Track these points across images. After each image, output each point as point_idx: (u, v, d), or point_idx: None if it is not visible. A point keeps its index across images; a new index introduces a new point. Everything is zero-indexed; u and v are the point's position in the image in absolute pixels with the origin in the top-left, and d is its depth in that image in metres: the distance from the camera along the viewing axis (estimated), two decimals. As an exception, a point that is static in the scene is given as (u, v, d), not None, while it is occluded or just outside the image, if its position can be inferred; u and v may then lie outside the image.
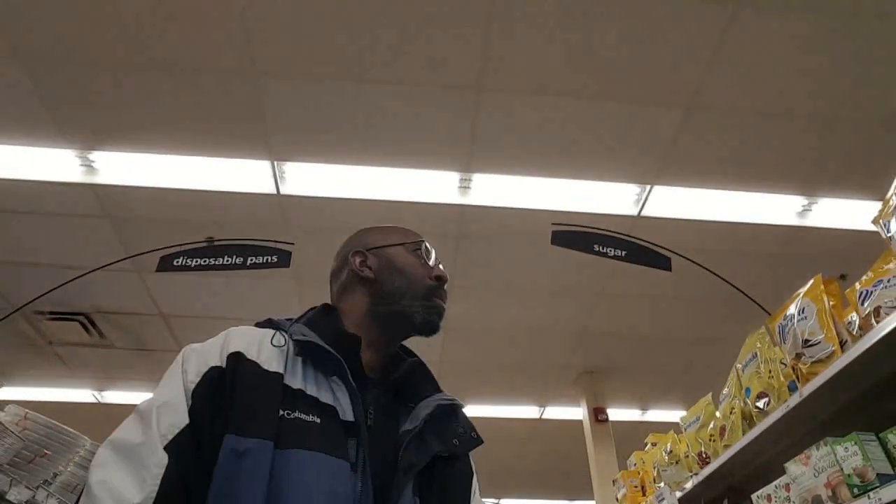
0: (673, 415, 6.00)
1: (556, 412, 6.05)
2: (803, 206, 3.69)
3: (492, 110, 3.07)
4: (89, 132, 3.16)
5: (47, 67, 2.84)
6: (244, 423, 0.80)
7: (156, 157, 3.29)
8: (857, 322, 1.37)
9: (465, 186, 3.47)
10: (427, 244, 1.08)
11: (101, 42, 2.73)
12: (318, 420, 0.84)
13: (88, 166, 3.34)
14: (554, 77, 2.92)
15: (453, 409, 0.98)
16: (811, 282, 1.51)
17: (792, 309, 1.50)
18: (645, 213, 3.64)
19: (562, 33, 2.73)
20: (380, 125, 3.13)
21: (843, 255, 3.74)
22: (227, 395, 0.83)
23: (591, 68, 2.88)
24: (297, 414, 0.83)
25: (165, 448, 0.79)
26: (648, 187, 3.51)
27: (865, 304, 1.36)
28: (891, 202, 1.25)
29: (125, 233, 3.78)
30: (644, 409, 6.16)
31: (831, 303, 1.45)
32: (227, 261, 2.69)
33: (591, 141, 3.24)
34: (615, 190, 3.53)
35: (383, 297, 1.01)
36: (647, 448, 2.64)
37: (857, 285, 1.43)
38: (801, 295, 1.50)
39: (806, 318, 1.43)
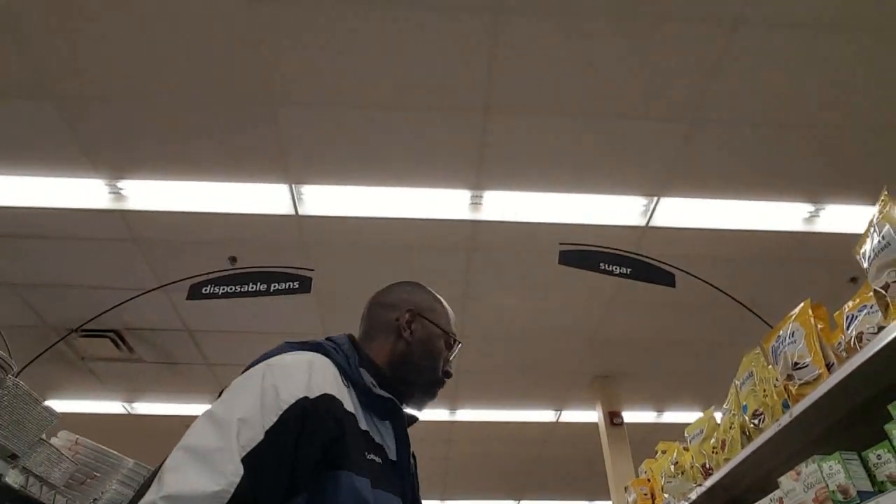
0: (689, 416, 6.06)
1: (572, 416, 6.14)
2: (810, 212, 3.74)
3: (499, 130, 3.18)
4: (117, 162, 3.33)
5: (78, 105, 3.01)
6: (353, 458, 0.87)
7: (179, 183, 3.45)
8: (844, 345, 1.47)
9: (476, 203, 3.58)
10: (456, 344, 1.18)
11: (126, 80, 2.89)
12: (380, 461, 0.92)
13: (117, 193, 3.52)
14: (559, 97, 3.02)
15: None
16: (801, 306, 1.60)
17: (783, 332, 1.59)
18: (653, 223, 3.73)
19: (565, 54, 2.83)
20: (392, 148, 3.26)
21: (852, 259, 3.79)
22: (320, 430, 0.85)
23: (594, 87, 2.98)
24: (371, 455, 0.91)
25: (242, 460, 0.79)
26: (655, 199, 3.59)
27: (851, 329, 1.45)
28: (868, 235, 1.34)
29: (152, 254, 3.95)
30: (660, 411, 6.22)
31: (820, 326, 1.54)
32: (252, 288, 2.84)
33: (598, 156, 3.34)
34: (623, 202, 3.62)
35: (405, 362, 1.10)
36: (657, 456, 2.73)
37: (846, 308, 1.52)
38: (792, 319, 1.59)
39: (795, 341, 1.52)
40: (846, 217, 3.75)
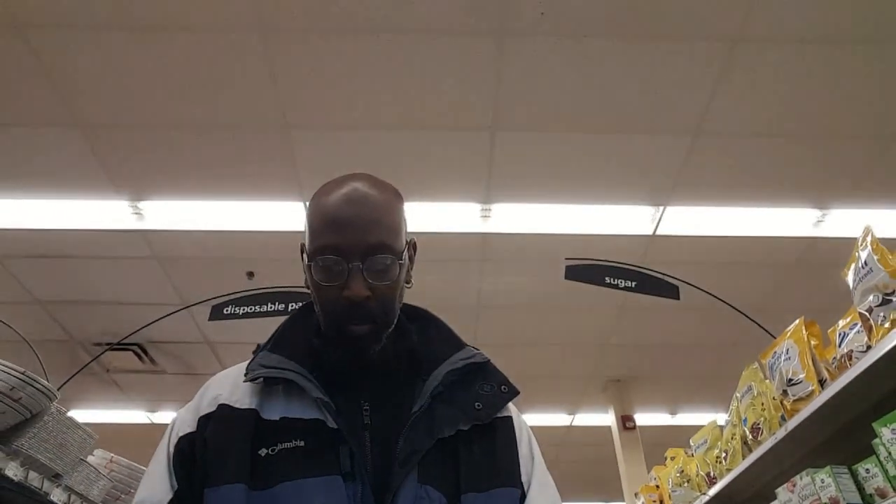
0: (703, 417, 6.10)
1: (586, 419, 6.20)
2: (817, 217, 3.78)
3: (507, 146, 3.26)
4: (138, 185, 3.47)
5: (103, 133, 3.14)
6: (215, 472, 0.79)
7: (198, 203, 3.58)
8: (836, 362, 1.54)
9: (485, 215, 3.67)
10: (329, 255, 0.82)
11: (149, 109, 3.01)
12: (303, 442, 0.79)
13: (139, 214, 3.65)
14: (564, 113, 3.10)
15: (474, 368, 0.88)
16: (795, 323, 1.67)
17: (779, 349, 1.66)
18: (660, 231, 3.79)
19: (570, 73, 2.91)
20: (403, 165, 3.36)
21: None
22: (202, 454, 0.81)
23: (599, 103, 3.06)
24: (280, 446, 0.79)
25: None
26: (662, 208, 3.65)
27: (843, 345, 1.52)
28: (854, 260, 1.41)
29: (173, 270, 4.09)
30: (673, 412, 6.26)
31: (814, 343, 1.61)
32: (271, 307, 2.95)
33: (604, 169, 3.41)
34: (630, 212, 3.68)
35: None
36: (666, 462, 2.80)
37: (838, 325, 1.59)
38: (787, 336, 1.66)
39: (790, 358, 1.59)
40: (853, 221, 3.78)
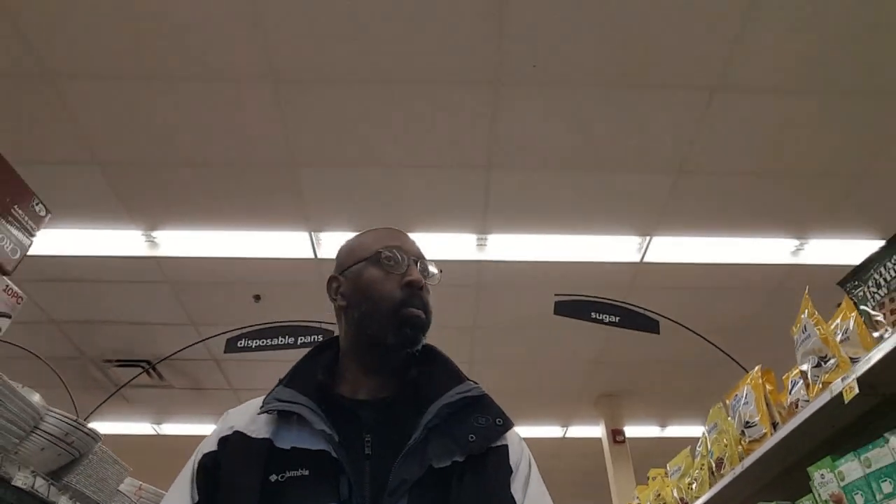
0: (692, 430, 6.30)
1: (578, 431, 6.40)
2: (796, 246, 3.99)
3: (502, 182, 3.47)
4: (153, 216, 3.67)
5: (121, 169, 3.34)
6: (229, 495, 0.85)
7: (209, 232, 3.78)
8: (787, 407, 1.75)
9: (481, 244, 3.88)
10: (393, 249, 0.99)
11: (164, 147, 3.22)
12: (308, 471, 0.84)
13: (152, 242, 3.85)
14: (557, 153, 3.31)
15: (470, 402, 0.92)
16: (754, 371, 1.88)
17: (739, 393, 1.87)
18: (647, 259, 4.01)
19: (561, 117, 3.12)
20: (403, 199, 3.56)
21: (837, 288, 4.04)
22: (219, 473, 0.88)
23: (588, 144, 3.26)
24: (288, 473, 0.84)
25: None
26: (648, 238, 3.86)
27: (792, 393, 1.73)
28: (798, 324, 1.62)
29: (183, 294, 4.29)
30: (663, 425, 6.46)
31: (769, 388, 1.82)
32: (281, 341, 3.15)
33: (594, 203, 3.62)
34: (618, 242, 3.89)
35: (358, 325, 0.97)
36: (648, 482, 3.01)
37: (791, 373, 1.80)
38: (747, 382, 1.87)
39: (748, 403, 1.80)
40: (830, 250, 4.00)
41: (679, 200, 3.60)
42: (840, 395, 1.30)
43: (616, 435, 5.35)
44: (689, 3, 2.62)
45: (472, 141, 3.22)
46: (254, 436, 0.89)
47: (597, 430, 6.00)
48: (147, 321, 4.54)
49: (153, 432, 6.36)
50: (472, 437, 0.87)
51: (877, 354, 1.24)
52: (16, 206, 1.49)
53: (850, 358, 1.40)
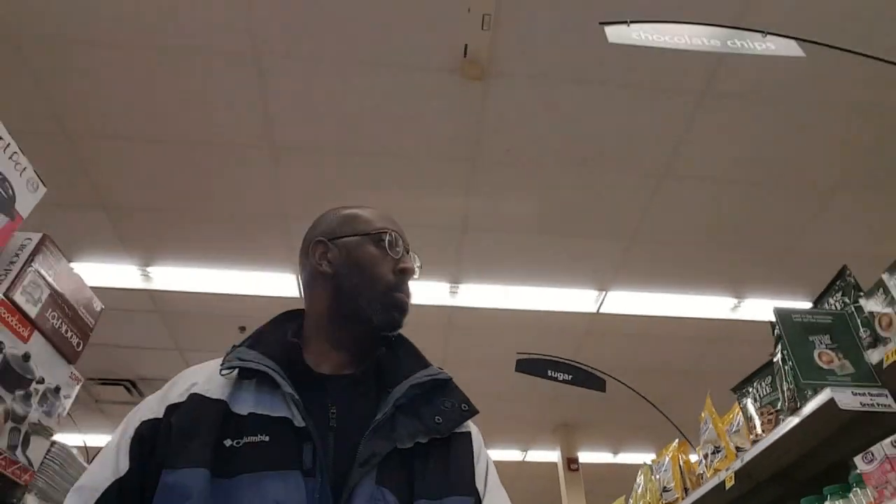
0: (642, 457, 6.77)
1: (537, 455, 6.82)
2: (734, 304, 4.46)
3: (475, 241, 3.85)
4: (149, 253, 3.94)
5: (124, 212, 3.61)
6: (176, 455, 0.80)
7: (201, 269, 4.06)
8: (696, 478, 2.14)
9: (453, 292, 4.24)
10: (394, 233, 1.01)
11: (166, 196, 3.50)
12: (268, 438, 0.82)
13: (146, 276, 4.11)
14: (525, 219, 3.69)
15: (437, 385, 0.94)
16: (674, 443, 2.27)
17: (661, 460, 2.27)
18: (602, 310, 4.43)
19: (529, 192, 3.50)
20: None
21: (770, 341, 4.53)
22: (164, 439, 0.83)
23: (552, 214, 3.66)
24: (245, 439, 0.82)
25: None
26: (604, 292, 4.28)
27: (701, 466, 2.13)
28: (702, 419, 2.02)
29: (172, 323, 4.55)
30: (615, 452, 6.91)
31: (684, 459, 2.22)
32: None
33: (556, 261, 4.02)
34: (578, 294, 4.30)
35: (342, 296, 0.96)
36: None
37: (699, 446, 2.20)
38: (667, 451, 2.26)
39: (666, 470, 2.19)
40: (763, 308, 4.47)
41: (632, 262, 4.03)
42: (724, 481, 1.69)
43: (571, 463, 5.75)
44: (640, 106, 3.02)
45: (450, 207, 3.59)
46: (209, 396, 0.86)
47: (554, 455, 6.41)
48: (134, 345, 4.77)
49: (127, 444, 6.55)
50: (438, 420, 0.88)
51: (749, 454, 1.64)
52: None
53: (737, 447, 1.80)
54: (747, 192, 3.52)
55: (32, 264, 1.55)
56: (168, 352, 4.82)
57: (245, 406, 0.86)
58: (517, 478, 7.22)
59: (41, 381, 1.58)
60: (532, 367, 3.51)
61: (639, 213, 3.65)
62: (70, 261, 3.77)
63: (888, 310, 1.22)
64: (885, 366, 1.19)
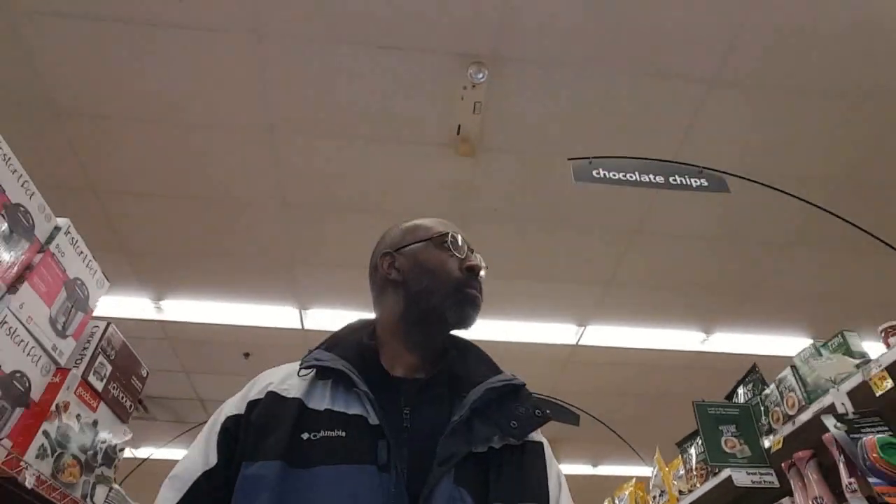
0: (621, 469, 7.16)
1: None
2: (703, 338, 4.85)
3: (464, 282, 4.19)
4: (161, 288, 4.26)
5: (141, 255, 3.93)
6: (254, 449, 0.85)
7: (210, 302, 4.39)
8: (651, 514, 2.51)
9: (444, 325, 4.59)
10: (455, 234, 1.05)
11: (181, 240, 3.83)
12: (344, 433, 0.85)
13: (158, 308, 4.43)
14: (511, 267, 4.04)
15: (511, 390, 0.95)
16: (631, 481, 2.64)
17: (620, 495, 2.63)
18: (581, 343, 4.80)
19: (514, 244, 3.85)
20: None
21: (738, 370, 4.94)
22: (245, 434, 0.88)
23: (536, 261, 4.01)
24: (322, 433, 0.85)
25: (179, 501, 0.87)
26: (584, 327, 4.66)
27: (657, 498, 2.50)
28: (654, 462, 2.39)
29: (181, 350, 4.87)
30: (595, 464, 7.31)
31: (640, 494, 2.59)
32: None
33: (540, 300, 4.38)
34: (559, 328, 4.67)
35: (414, 299, 1.00)
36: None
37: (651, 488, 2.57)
38: (626, 488, 2.63)
39: (625, 504, 2.56)
40: (728, 341, 4.87)
41: (607, 303, 4.40)
42: (666, 526, 2.06)
43: (552, 478, 6.11)
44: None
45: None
46: (286, 395, 0.91)
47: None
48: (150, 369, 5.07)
49: (130, 455, 6.84)
50: (513, 424, 0.90)
51: (687, 500, 2.00)
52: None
53: (679, 491, 2.16)
54: (715, 247, 3.90)
55: (100, 347, 1.89)
56: (175, 374, 5.13)
57: (321, 403, 0.89)
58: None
59: (104, 441, 1.92)
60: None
61: (614, 261, 4.02)
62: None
63: (777, 409, 1.58)
64: (772, 451, 1.55)
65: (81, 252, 1.77)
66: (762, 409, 1.67)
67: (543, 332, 4.70)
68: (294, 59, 2.80)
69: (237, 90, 2.93)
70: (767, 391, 1.66)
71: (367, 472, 0.81)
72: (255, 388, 0.96)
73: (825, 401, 1.39)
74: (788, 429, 1.51)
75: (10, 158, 1.46)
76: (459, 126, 3.04)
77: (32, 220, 1.54)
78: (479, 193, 3.47)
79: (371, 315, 1.10)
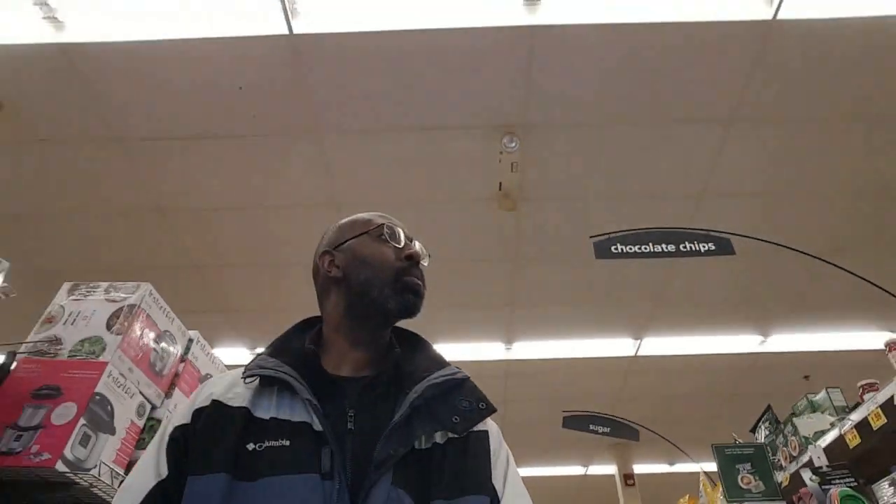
0: (697, 466, 7.28)
1: (597, 469, 7.47)
2: (761, 340, 4.99)
3: (523, 314, 4.55)
4: (255, 340, 4.85)
5: (236, 313, 4.53)
6: (199, 461, 0.84)
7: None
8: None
9: (508, 348, 4.97)
10: (392, 225, 1.05)
11: (266, 302, 4.39)
12: (288, 442, 0.84)
13: (254, 354, 5.04)
14: (567, 295, 4.36)
15: (454, 385, 0.95)
16: (684, 497, 2.92)
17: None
18: (640, 353, 5.05)
19: (568, 273, 4.16)
20: (441, 322, 4.65)
21: (801, 365, 5.05)
22: (192, 444, 0.87)
23: (585, 289, 4.32)
24: (267, 443, 0.84)
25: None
26: (640, 340, 4.91)
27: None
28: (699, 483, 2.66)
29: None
30: (671, 463, 7.47)
31: (698, 507, 2.87)
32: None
33: (599, 319, 4.67)
34: (618, 342, 4.95)
35: (355, 293, 0.99)
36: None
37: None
38: (683, 500, 2.92)
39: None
40: (785, 342, 4.97)
41: (661, 316, 4.64)
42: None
43: (627, 479, 6.37)
44: (645, 206, 3.65)
45: (496, 292, 4.31)
46: (231, 404, 0.90)
47: (612, 468, 7.03)
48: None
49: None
50: (455, 419, 0.89)
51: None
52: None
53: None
54: (756, 262, 4.07)
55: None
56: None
57: (267, 411, 0.88)
58: (581, 489, 7.90)
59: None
60: (577, 423, 4.20)
61: (660, 280, 4.26)
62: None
63: (784, 449, 1.85)
64: (783, 486, 1.83)
65: (208, 353, 2.26)
66: (777, 445, 1.93)
67: (604, 347, 4.99)
68: (351, 149, 3.26)
69: (307, 179, 3.42)
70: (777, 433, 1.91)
71: (310, 481, 0.81)
72: (200, 397, 0.94)
73: (802, 459, 1.64)
74: (793, 467, 1.78)
75: (157, 298, 1.96)
76: (500, 183, 3.41)
77: (175, 339, 2.03)
78: (525, 238, 3.82)
79: (311, 314, 1.12)
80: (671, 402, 5.71)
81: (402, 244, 1.04)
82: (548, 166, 3.35)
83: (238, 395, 0.91)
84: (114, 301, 1.82)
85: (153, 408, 1.84)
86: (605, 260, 3.95)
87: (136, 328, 1.79)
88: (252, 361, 0.95)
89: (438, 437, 0.88)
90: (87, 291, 1.87)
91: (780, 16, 2.71)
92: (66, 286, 1.89)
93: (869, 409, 1.45)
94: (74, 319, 1.76)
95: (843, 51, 2.83)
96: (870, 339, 4.84)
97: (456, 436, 0.89)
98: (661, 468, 7.46)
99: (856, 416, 1.51)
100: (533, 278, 4.17)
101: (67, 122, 3.08)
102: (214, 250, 3.92)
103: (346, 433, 0.87)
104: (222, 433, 0.86)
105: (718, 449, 2.08)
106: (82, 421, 1.52)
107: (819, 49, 2.82)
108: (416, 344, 1.04)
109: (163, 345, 1.91)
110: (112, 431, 1.62)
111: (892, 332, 4.74)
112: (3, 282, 1.66)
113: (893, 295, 2.15)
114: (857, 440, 1.47)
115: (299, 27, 2.72)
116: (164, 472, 0.87)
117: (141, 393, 1.76)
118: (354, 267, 1.01)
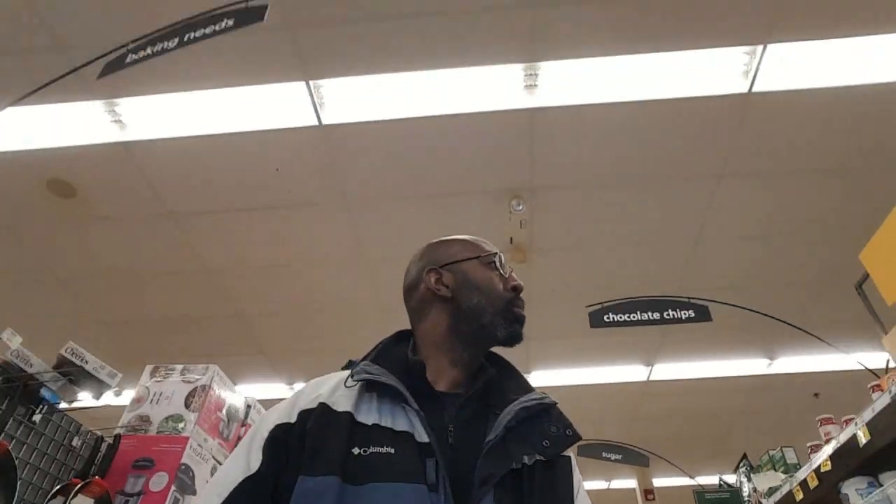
0: (716, 478, 7.49)
1: (619, 484, 7.72)
2: (768, 363, 5.23)
3: (540, 345, 4.88)
4: (293, 376, 5.26)
5: (276, 353, 4.95)
6: (311, 463, 0.86)
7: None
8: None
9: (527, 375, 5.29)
10: (501, 254, 1.10)
11: (300, 341, 4.79)
12: (393, 450, 0.86)
13: (292, 390, 5.45)
14: (578, 329, 4.68)
15: (544, 410, 0.97)
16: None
17: None
18: (652, 378, 5.34)
19: (572, 312, 4.49)
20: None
21: (810, 384, 5.28)
22: (298, 445, 0.89)
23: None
24: (372, 449, 0.86)
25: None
26: (651, 366, 5.20)
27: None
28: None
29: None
30: (692, 476, 7.68)
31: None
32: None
33: (610, 352, 4.97)
34: (630, 368, 5.24)
35: (464, 315, 1.02)
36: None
37: None
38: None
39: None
40: (791, 364, 5.21)
41: (671, 340, 4.92)
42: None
43: (647, 494, 6.62)
44: (643, 252, 3.96)
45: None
46: (336, 408, 0.91)
47: (633, 483, 7.28)
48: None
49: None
50: (546, 443, 0.92)
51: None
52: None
53: None
54: (750, 294, 4.35)
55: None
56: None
57: (369, 417, 0.91)
58: (604, 503, 8.14)
59: None
60: (591, 451, 4.51)
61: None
62: (236, 383, 5.18)
63: (754, 494, 2.15)
64: None
65: (259, 412, 2.64)
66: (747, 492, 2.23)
67: (616, 373, 5.29)
68: (375, 215, 3.65)
69: (335, 240, 3.82)
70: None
71: (418, 492, 0.83)
72: (305, 398, 0.96)
73: (764, 510, 1.95)
74: (759, 515, 2.09)
75: (222, 376, 2.35)
76: (511, 238, 3.76)
77: (238, 408, 2.42)
78: (537, 284, 4.16)
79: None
80: (684, 421, 5.97)
81: (508, 275, 1.09)
82: (553, 223, 3.70)
83: (340, 398, 0.93)
84: (189, 382, 2.22)
85: (223, 468, 2.25)
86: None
87: (209, 405, 2.18)
88: (356, 366, 0.97)
89: (527, 460, 0.91)
90: (166, 373, 2.27)
91: (756, 89, 3.02)
92: (148, 368, 2.30)
93: (807, 471, 1.75)
94: (158, 399, 2.17)
95: (815, 116, 3.12)
96: (875, 358, 5.05)
97: (542, 459, 0.92)
98: (682, 481, 7.67)
99: (802, 474, 1.82)
100: (547, 316, 4.50)
101: (126, 203, 3.53)
102: (255, 302, 4.34)
103: (447, 447, 0.89)
104: (331, 436, 0.88)
105: (699, 494, 2.39)
106: (173, 488, 1.92)
107: (792, 115, 3.13)
108: (505, 366, 1.08)
109: (228, 414, 2.30)
110: (194, 493, 2.01)
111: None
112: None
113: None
114: (801, 495, 1.76)
115: (327, 118, 3.12)
116: (255, 466, 0.89)
117: (213, 458, 2.15)
118: (466, 290, 1.04)
